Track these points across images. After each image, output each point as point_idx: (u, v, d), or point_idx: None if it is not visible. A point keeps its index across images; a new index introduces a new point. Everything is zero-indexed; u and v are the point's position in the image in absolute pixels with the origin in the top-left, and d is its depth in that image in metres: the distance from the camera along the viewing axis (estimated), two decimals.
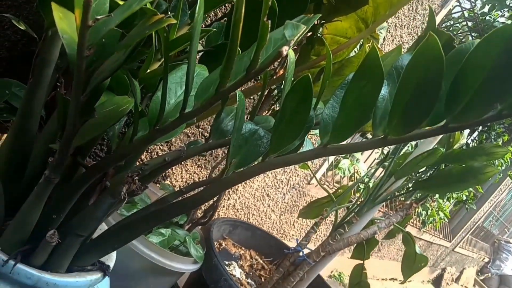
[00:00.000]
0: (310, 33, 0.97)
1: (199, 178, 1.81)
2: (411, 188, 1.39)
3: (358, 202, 1.37)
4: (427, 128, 0.52)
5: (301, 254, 1.29)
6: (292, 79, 0.62)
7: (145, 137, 0.56)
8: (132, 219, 0.69)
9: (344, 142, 0.58)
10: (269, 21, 0.43)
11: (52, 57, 0.57)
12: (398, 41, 2.35)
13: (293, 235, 2.81)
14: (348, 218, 1.32)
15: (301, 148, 0.73)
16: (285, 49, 0.43)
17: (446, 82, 0.49)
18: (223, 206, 2.08)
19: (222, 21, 1.14)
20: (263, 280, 1.57)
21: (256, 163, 0.66)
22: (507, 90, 0.45)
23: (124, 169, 0.72)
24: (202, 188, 0.69)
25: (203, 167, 1.79)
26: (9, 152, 0.64)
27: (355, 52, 0.98)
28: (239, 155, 0.65)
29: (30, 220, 0.56)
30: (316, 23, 1.08)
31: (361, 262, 1.52)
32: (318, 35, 1.00)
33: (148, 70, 0.67)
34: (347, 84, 0.58)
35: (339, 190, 1.58)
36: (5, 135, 0.96)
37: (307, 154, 0.59)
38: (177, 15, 0.61)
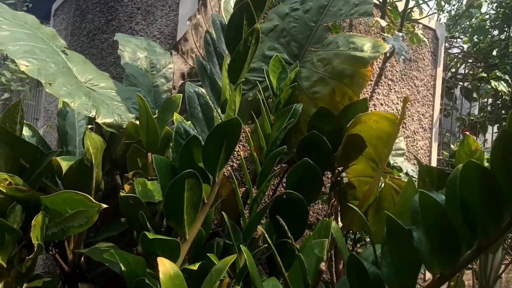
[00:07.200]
0: (338, 188, 1.09)
1: None
2: None
3: None
4: (468, 252, 0.58)
5: None
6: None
7: None
8: None
9: None
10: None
11: None
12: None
13: None
14: None
15: None
16: (323, 265, 0.54)
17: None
18: None
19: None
20: None
21: None
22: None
23: None
24: None
25: None
26: None
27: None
28: None
29: None
30: (338, 170, 1.22)
31: None
32: (345, 181, 1.12)
33: None
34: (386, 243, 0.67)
35: None
36: None
37: None
38: None
